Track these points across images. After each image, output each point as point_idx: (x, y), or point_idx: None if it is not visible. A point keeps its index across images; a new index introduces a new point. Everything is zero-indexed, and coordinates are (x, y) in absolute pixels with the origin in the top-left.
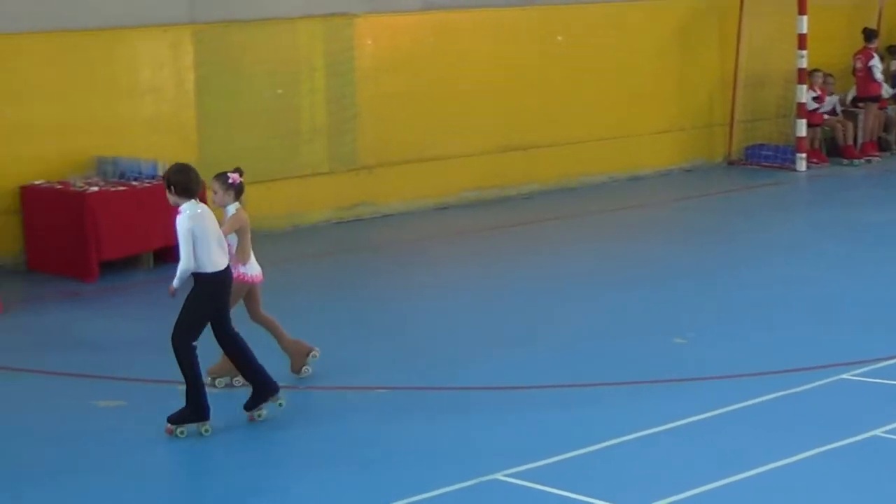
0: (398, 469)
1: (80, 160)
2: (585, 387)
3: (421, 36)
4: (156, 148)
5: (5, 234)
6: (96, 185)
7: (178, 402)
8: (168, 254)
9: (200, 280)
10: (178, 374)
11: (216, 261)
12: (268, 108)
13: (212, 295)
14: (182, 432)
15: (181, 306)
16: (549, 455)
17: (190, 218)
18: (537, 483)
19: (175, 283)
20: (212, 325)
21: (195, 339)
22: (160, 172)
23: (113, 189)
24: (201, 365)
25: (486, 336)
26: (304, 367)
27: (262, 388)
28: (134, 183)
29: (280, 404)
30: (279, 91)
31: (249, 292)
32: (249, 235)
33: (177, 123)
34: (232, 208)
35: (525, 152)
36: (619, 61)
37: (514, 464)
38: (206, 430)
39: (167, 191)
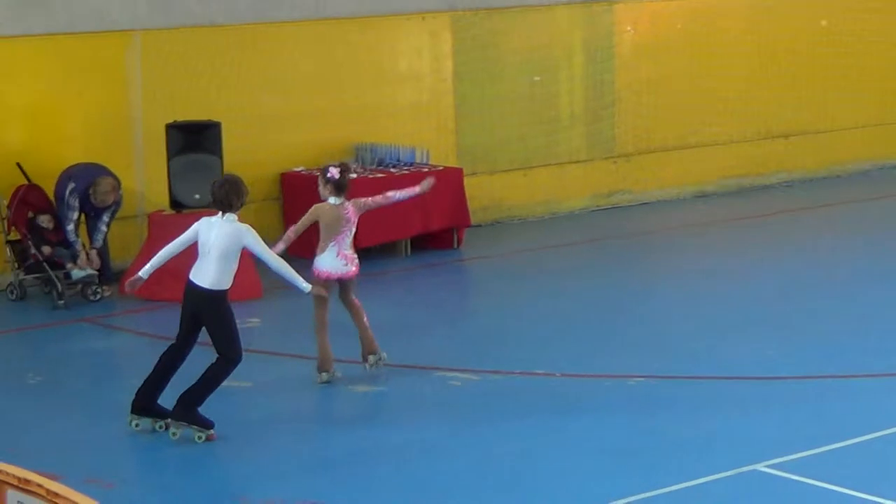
0: (656, 459)
1: (339, 147)
2: (845, 378)
3: (681, 22)
4: (414, 135)
5: (265, 220)
6: (355, 172)
7: (436, 387)
8: (425, 241)
9: None
10: (434, 361)
11: (195, 272)
12: (525, 95)
13: (183, 301)
14: (137, 425)
15: None
16: (809, 446)
17: (199, 221)
18: (797, 474)
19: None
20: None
21: (177, 339)
22: (418, 160)
23: (371, 176)
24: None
25: (742, 325)
26: (367, 365)
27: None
28: (392, 170)
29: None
30: (536, 78)
31: (342, 282)
32: (331, 231)
33: (435, 110)
34: (329, 202)
35: (786, 139)
36: (885, 45)
37: (774, 455)
38: (161, 427)
39: None
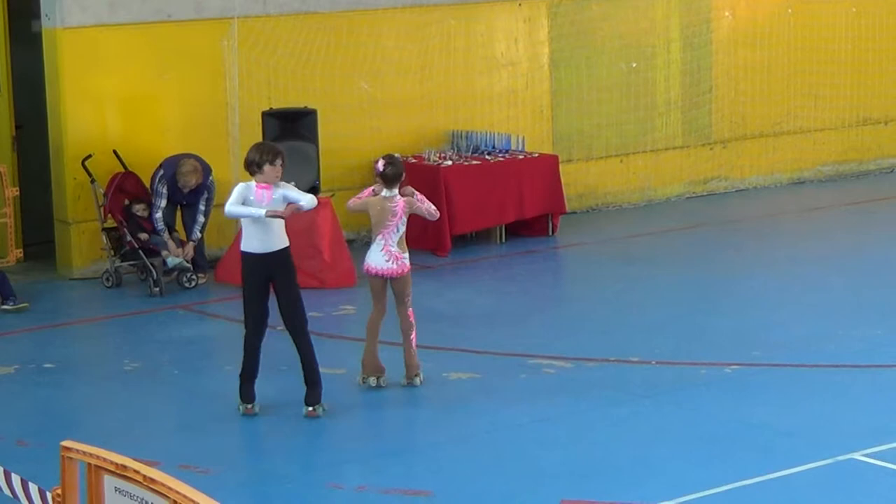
0: (752, 447)
1: (434, 134)
2: None
3: (779, 8)
4: (510, 122)
5: None
6: (450, 159)
7: (530, 374)
8: (520, 228)
9: None
10: (528, 348)
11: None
12: (622, 82)
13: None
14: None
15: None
16: None
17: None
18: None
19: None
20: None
21: (248, 316)
22: (514, 146)
23: (466, 163)
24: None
25: (841, 313)
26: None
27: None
28: (487, 157)
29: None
30: (633, 64)
31: (391, 281)
32: (378, 223)
33: (531, 97)
34: (381, 194)
35: (886, 126)
36: None
37: (873, 444)
38: (246, 410)
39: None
